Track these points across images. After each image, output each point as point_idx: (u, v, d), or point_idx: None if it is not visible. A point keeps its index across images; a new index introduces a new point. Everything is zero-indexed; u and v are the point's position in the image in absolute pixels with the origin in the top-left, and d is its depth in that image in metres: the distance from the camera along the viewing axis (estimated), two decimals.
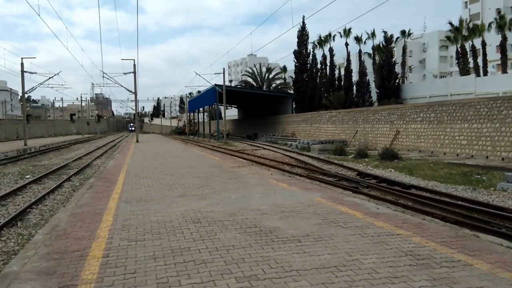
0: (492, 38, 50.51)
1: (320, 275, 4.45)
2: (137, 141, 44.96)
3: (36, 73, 49.60)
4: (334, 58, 56.55)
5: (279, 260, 4.96)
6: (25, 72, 41.92)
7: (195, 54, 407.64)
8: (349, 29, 55.45)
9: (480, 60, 45.65)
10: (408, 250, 5.25)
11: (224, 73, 51.88)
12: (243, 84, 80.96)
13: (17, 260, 5.26)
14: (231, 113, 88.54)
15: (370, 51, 55.27)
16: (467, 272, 4.50)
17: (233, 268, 4.71)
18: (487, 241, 5.69)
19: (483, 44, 45.63)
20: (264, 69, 75.82)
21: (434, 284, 4.17)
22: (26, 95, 51.63)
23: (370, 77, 52.76)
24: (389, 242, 5.60)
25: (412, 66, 74.64)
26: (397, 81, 49.61)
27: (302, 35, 56.74)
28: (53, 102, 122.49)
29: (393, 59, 49.65)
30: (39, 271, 4.74)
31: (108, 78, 56.03)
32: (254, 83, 75.38)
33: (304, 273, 4.52)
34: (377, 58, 52.51)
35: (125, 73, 45.44)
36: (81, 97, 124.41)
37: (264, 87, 72.89)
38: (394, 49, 53.54)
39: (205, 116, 76.31)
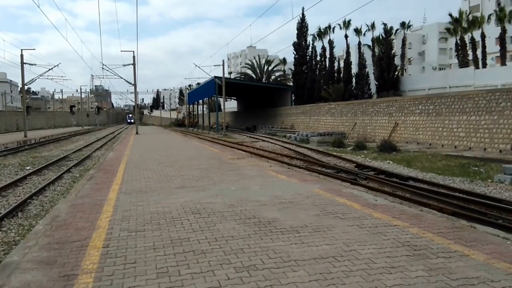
0: (492, 30, 50.45)
1: (318, 265, 4.50)
2: (137, 133, 44.94)
3: (35, 64, 49.44)
4: (333, 50, 56.51)
5: (277, 250, 5.01)
6: (25, 63, 41.79)
7: (197, 46, 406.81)
8: (349, 21, 55.44)
9: (479, 52, 45.64)
10: (405, 241, 5.30)
11: (223, 65, 51.77)
12: (243, 76, 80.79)
13: (18, 250, 5.30)
14: (231, 105, 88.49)
15: (370, 43, 55.21)
16: (463, 262, 4.55)
17: (232, 258, 4.76)
18: (484, 232, 5.75)
19: (483, 36, 45.60)
20: (263, 61, 75.65)
21: (431, 274, 4.22)
22: (26, 87, 51.50)
23: (370, 69, 52.73)
24: (387, 233, 5.65)
25: (411, 58, 74.45)
26: (396, 73, 49.64)
27: (302, 27, 56.54)
28: (53, 94, 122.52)
29: (393, 51, 49.60)
30: (40, 261, 4.78)
31: (107, 70, 55.84)
32: (253, 75, 75.23)
33: (302, 263, 4.57)
34: (376, 50, 52.46)
35: (124, 65, 45.45)
36: (80, 89, 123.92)
37: (264, 79, 72.77)
38: (394, 41, 53.48)
39: (204, 108, 76.22)
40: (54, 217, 6.92)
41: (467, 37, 47.19)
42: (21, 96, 61.80)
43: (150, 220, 6.59)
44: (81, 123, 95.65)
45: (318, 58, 57.08)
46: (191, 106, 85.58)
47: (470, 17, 48.41)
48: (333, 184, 9.90)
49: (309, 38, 57.63)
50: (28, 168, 18.49)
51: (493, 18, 47.10)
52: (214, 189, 9.21)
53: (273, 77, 74.75)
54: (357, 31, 55.47)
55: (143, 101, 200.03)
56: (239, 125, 68.01)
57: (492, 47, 50.56)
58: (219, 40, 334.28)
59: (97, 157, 22.59)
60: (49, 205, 10.57)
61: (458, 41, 47.07)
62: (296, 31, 57.13)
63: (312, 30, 59.38)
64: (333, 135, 33.24)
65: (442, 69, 70.93)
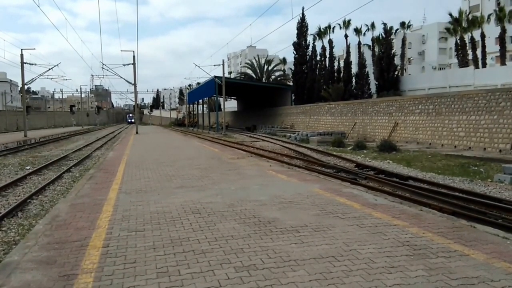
0: (491, 30, 50.45)
1: (318, 265, 4.50)
2: (137, 132, 44.91)
3: (35, 64, 49.39)
4: (333, 50, 56.54)
5: (277, 250, 5.01)
6: (25, 63, 41.77)
7: (197, 45, 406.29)
8: (349, 21, 55.51)
9: (479, 52, 45.64)
10: (405, 241, 5.30)
11: (223, 65, 51.76)
12: (243, 76, 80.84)
13: (17, 250, 5.30)
14: (231, 105, 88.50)
15: (370, 43, 55.24)
16: (463, 262, 4.55)
17: (232, 258, 4.76)
18: (484, 232, 5.75)
19: (482, 36, 45.61)
20: (263, 61, 75.66)
21: (431, 274, 4.22)
22: (26, 87, 51.47)
23: (370, 69, 52.77)
24: (387, 233, 5.65)
25: (411, 58, 74.49)
26: (396, 73, 49.69)
27: (302, 26, 56.56)
28: (53, 94, 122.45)
29: (393, 51, 49.66)
30: (40, 261, 4.78)
31: (107, 70, 55.78)
32: (253, 75, 75.25)
33: (302, 263, 4.57)
34: (376, 50, 52.51)
35: (124, 65, 45.50)
36: (80, 88, 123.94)
37: (264, 79, 72.77)
38: (394, 41, 53.57)
39: (204, 108, 76.25)
40: (54, 216, 6.92)
41: (467, 37, 47.20)
42: (21, 96, 61.84)
43: (150, 219, 6.59)
44: (81, 122, 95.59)
45: (318, 58, 57.09)
46: (191, 105, 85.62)
47: (470, 17, 48.42)
48: (333, 184, 9.90)
49: (309, 38, 57.76)
50: (28, 167, 18.49)
51: (492, 18, 47.11)
52: (214, 189, 9.21)
53: (273, 77, 74.77)
54: (357, 31, 55.53)
55: (143, 100, 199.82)
56: (239, 125, 68.01)
57: (492, 47, 50.57)
58: (219, 39, 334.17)
59: (97, 157, 22.58)
60: (49, 205, 10.57)
61: (458, 41, 47.08)
62: (296, 31, 57.18)
63: (312, 29, 59.45)
64: (333, 134, 33.24)
65: (442, 69, 70.96)
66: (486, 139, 22.77)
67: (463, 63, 46.35)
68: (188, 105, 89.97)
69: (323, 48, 57.08)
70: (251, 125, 58.75)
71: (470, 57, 46.69)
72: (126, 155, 18.34)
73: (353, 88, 51.91)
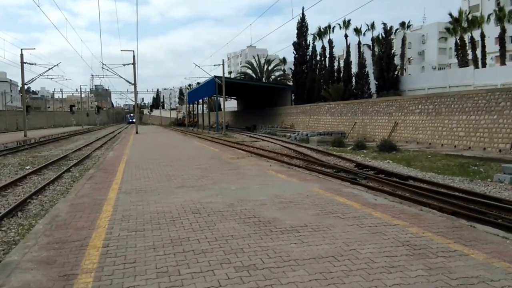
0: (491, 30, 50.44)
1: (318, 265, 4.50)
2: (137, 132, 44.89)
3: (35, 64, 49.27)
4: (333, 49, 56.51)
5: (277, 250, 5.01)
6: (25, 63, 41.75)
7: (197, 45, 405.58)
8: (349, 21, 55.48)
9: (479, 52, 45.62)
10: (405, 240, 5.30)
11: (223, 64, 51.76)
12: (243, 76, 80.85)
13: (17, 250, 5.30)
14: (230, 104, 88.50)
15: (370, 43, 55.20)
16: (463, 262, 4.55)
17: (232, 258, 4.76)
18: (483, 232, 5.75)
19: (482, 36, 45.59)
20: (263, 61, 75.66)
21: (430, 273, 4.22)
22: (26, 86, 51.41)
23: (369, 69, 52.75)
24: (386, 233, 5.65)
25: (411, 58, 74.46)
26: (396, 73, 49.68)
27: (302, 26, 56.58)
28: (53, 93, 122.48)
29: (392, 51, 49.65)
30: (40, 261, 4.78)
31: (107, 70, 55.76)
32: (253, 75, 75.27)
33: (302, 262, 4.57)
34: (376, 50, 52.47)
35: (124, 65, 45.53)
36: (80, 88, 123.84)
37: (264, 78, 72.79)
38: (394, 40, 53.54)
39: (204, 108, 76.25)
40: (53, 216, 6.92)
41: (466, 37, 47.19)
42: (21, 96, 61.86)
43: (150, 219, 6.59)
44: (81, 122, 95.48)
45: (318, 57, 57.06)
46: (191, 105, 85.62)
47: (470, 17, 48.40)
48: (333, 184, 9.90)
49: (309, 38, 57.73)
50: (28, 167, 18.48)
51: (492, 17, 47.09)
52: (214, 189, 9.21)
53: (273, 76, 74.79)
54: (357, 31, 55.49)
55: (143, 100, 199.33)
56: (239, 125, 68.01)
57: (492, 46, 50.56)
58: (220, 39, 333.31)
59: (97, 157, 22.57)
60: (49, 205, 10.56)
61: (458, 41, 47.08)
62: (296, 31, 57.19)
63: (312, 29, 59.40)
64: (333, 134, 33.23)
65: (442, 68, 70.97)
66: (486, 139, 22.78)
67: (463, 63, 46.36)
68: (188, 105, 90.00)
69: (323, 48, 57.07)
70: (251, 125, 58.75)
71: (470, 57, 46.68)
72: (126, 155, 18.33)
73: (353, 88, 51.90)
